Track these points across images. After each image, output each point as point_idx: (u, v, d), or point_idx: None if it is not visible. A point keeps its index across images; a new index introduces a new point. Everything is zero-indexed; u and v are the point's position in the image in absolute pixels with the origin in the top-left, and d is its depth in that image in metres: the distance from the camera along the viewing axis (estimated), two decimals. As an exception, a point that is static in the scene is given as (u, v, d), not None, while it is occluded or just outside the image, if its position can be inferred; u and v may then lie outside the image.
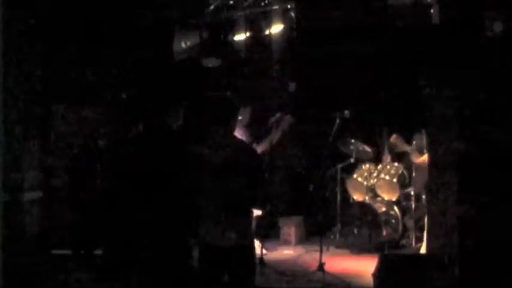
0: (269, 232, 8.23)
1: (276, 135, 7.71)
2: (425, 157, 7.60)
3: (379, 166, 8.48)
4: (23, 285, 5.63)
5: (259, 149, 7.73)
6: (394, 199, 8.23)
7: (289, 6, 7.41)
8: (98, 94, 7.72)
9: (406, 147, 8.00)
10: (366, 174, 8.50)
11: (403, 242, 8.20)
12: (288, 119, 7.63)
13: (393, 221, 8.13)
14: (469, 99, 5.68)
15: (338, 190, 8.51)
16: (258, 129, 8.44)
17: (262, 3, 7.50)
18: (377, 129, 8.64)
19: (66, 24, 7.14)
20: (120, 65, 7.91)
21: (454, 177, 5.74)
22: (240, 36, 7.75)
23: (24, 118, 6.08)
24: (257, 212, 7.00)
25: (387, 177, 8.25)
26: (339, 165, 8.54)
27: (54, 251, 6.86)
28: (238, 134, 7.58)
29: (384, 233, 7.93)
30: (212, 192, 4.67)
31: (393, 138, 7.93)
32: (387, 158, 8.49)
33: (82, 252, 7.10)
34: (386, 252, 7.62)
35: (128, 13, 7.53)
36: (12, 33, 5.83)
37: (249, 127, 7.95)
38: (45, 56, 6.52)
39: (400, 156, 8.46)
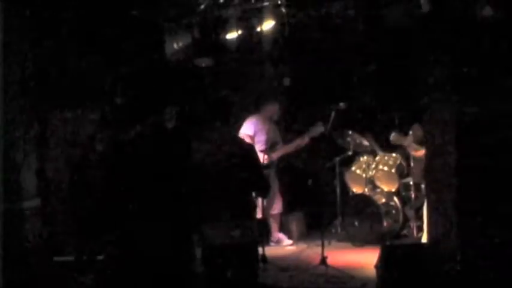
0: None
1: (303, 141, 7.84)
2: (423, 150, 7.61)
3: (377, 157, 8.49)
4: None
5: (281, 151, 7.86)
6: (393, 190, 8.24)
7: (279, 2, 7.41)
8: (92, 97, 7.70)
9: (405, 142, 8.00)
10: (364, 166, 8.51)
11: (404, 232, 8.22)
12: (319, 127, 7.72)
13: (393, 211, 8.14)
14: (465, 85, 5.68)
15: (337, 183, 8.52)
16: (288, 126, 8.58)
17: (253, 0, 7.49)
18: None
19: (61, 28, 7.14)
20: (114, 69, 7.90)
21: (452, 167, 5.74)
22: (232, 35, 7.74)
23: (22, 124, 6.08)
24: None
25: (385, 168, 8.26)
26: (337, 158, 8.55)
27: (56, 258, 6.85)
28: (265, 129, 7.71)
29: (385, 224, 7.93)
30: (213, 191, 4.68)
31: (392, 136, 7.95)
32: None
33: (84, 258, 7.09)
34: (388, 243, 7.63)
35: (120, 16, 7.52)
36: (11, 38, 5.83)
37: (278, 124, 8.08)
38: (41, 60, 6.52)
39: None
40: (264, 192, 5.29)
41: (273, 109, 8.06)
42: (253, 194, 5.19)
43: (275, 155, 7.85)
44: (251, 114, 8.07)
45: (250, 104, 8.49)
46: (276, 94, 8.45)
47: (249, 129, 7.80)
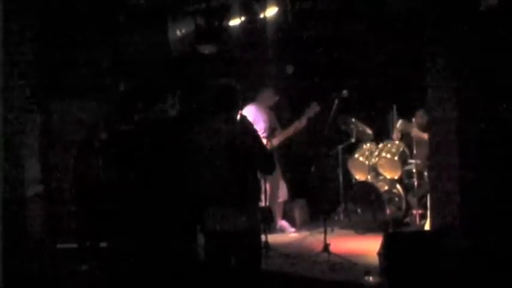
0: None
1: (301, 123, 7.81)
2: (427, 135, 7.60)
3: (380, 145, 8.48)
4: (27, 282, 5.64)
5: (281, 136, 7.85)
6: (396, 177, 8.24)
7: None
8: (95, 86, 7.70)
9: (410, 128, 8.00)
10: (367, 153, 8.50)
11: (407, 219, 8.21)
12: (314, 107, 7.70)
13: (396, 199, 8.13)
14: (469, 74, 5.66)
15: (340, 170, 8.51)
16: (285, 112, 8.55)
17: (256, -13, 7.45)
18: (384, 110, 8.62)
19: (61, 16, 7.12)
20: (116, 55, 7.89)
21: (455, 152, 5.73)
22: (235, 21, 7.71)
23: (24, 112, 6.07)
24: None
25: (388, 156, 8.25)
26: (340, 146, 8.54)
27: (59, 245, 6.87)
28: (264, 116, 7.70)
29: (388, 211, 7.93)
30: (217, 178, 4.67)
31: (400, 124, 7.93)
32: (398, 135, 8.41)
33: (87, 245, 7.11)
34: (390, 230, 7.64)
35: (122, 2, 7.50)
36: (10, 29, 5.82)
37: (275, 110, 8.05)
38: (42, 49, 6.50)
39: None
40: (269, 168, 5.17)
41: (269, 96, 8.01)
42: (258, 175, 5.15)
43: (275, 141, 7.83)
44: (249, 102, 7.99)
45: (251, 91, 8.45)
46: (271, 80, 8.39)
47: None
